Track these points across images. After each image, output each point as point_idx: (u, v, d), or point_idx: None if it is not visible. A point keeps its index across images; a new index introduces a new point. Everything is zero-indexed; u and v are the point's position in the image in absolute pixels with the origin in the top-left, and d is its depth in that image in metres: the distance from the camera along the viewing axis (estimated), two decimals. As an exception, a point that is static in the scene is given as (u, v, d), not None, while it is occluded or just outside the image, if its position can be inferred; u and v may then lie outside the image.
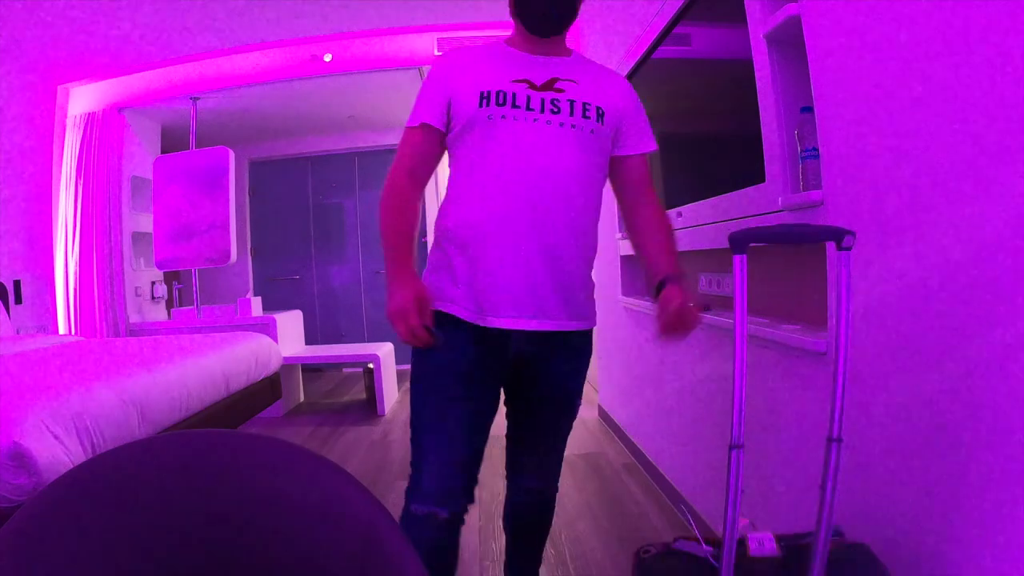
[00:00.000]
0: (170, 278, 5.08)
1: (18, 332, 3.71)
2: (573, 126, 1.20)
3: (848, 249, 0.89)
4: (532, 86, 1.21)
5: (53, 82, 4.20)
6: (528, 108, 1.19)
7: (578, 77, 1.25)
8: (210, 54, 4.03)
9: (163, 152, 4.98)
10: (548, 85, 1.22)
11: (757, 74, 1.42)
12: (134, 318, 4.48)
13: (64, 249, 4.33)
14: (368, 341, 5.55)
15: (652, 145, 1.33)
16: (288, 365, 4.16)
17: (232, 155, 4.21)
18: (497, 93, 1.19)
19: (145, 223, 4.61)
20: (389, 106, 4.91)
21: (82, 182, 4.32)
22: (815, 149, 1.27)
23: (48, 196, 4.31)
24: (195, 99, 4.32)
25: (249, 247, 5.89)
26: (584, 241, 1.25)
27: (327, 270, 6.10)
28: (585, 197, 1.24)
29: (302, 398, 4.72)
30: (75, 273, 4.31)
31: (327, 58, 4.05)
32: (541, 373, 1.29)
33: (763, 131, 1.42)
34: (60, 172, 4.35)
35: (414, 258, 1.23)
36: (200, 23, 3.71)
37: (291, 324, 4.57)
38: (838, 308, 0.92)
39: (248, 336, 3.06)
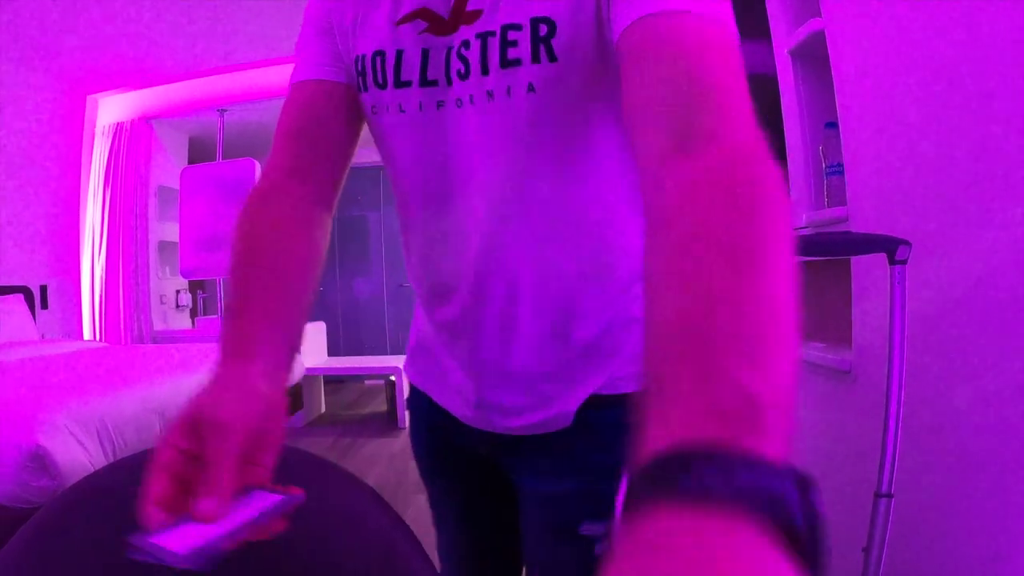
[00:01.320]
0: (195, 287, 5.16)
1: (43, 337, 3.78)
2: (488, 95, 0.59)
3: (903, 263, 0.79)
4: (435, 25, 0.62)
5: (83, 92, 4.31)
6: (424, 83, 0.63)
7: None
8: (237, 67, 4.11)
9: (190, 162, 5.07)
10: (456, 16, 0.61)
11: (782, 89, 1.41)
12: (158, 326, 4.55)
13: (91, 256, 4.42)
14: (390, 354, 5.58)
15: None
16: (310, 376, 4.21)
17: (258, 166, 4.26)
18: (374, 58, 0.64)
19: (171, 232, 4.69)
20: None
21: (110, 191, 4.41)
22: (839, 165, 1.25)
23: (76, 204, 4.41)
24: (222, 111, 4.40)
25: (275, 257, 5.98)
26: (560, 266, 0.65)
27: (351, 282, 6.16)
28: (548, 198, 0.63)
29: (323, 409, 4.76)
30: (101, 280, 4.40)
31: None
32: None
33: (787, 146, 1.41)
34: (88, 180, 4.45)
35: (270, 329, 0.55)
36: (228, 37, 3.79)
37: (313, 335, 4.61)
38: (892, 332, 0.81)
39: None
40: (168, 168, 4.75)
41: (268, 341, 0.52)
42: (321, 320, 5.01)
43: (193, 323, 5.02)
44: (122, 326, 4.40)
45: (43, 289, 4.03)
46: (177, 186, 4.53)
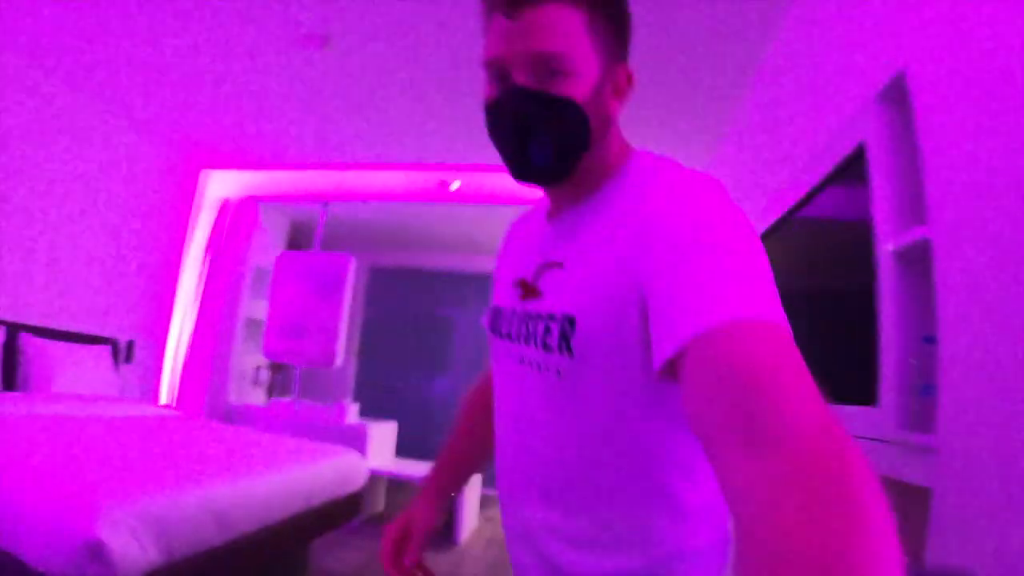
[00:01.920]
0: (274, 367, 5.35)
1: (121, 391, 3.99)
2: (538, 365, 0.73)
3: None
4: (523, 290, 0.80)
5: (197, 166, 4.72)
6: (508, 336, 0.80)
7: (570, 250, 0.75)
8: (341, 166, 4.41)
9: (289, 246, 5.39)
10: (534, 282, 0.78)
11: (882, 289, 1.36)
12: (233, 398, 4.71)
13: (181, 321, 4.68)
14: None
15: (726, 312, 0.51)
16: (374, 475, 4.22)
17: (353, 263, 4.47)
18: (494, 312, 0.86)
19: (260, 310, 4.94)
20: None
21: (208, 261, 4.73)
22: (933, 386, 1.17)
23: (177, 268, 4.75)
24: (325, 204, 4.69)
25: (357, 348, 6.15)
26: (582, 522, 0.73)
27: (428, 381, 6.21)
28: (574, 463, 0.73)
29: (382, 508, 4.72)
30: (186, 345, 4.63)
31: (454, 186, 4.30)
32: None
33: (881, 353, 1.33)
34: (190, 249, 4.81)
35: (451, 476, 1.03)
36: (335, 136, 4.05)
37: (384, 435, 4.64)
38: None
39: (338, 452, 3.13)
40: (266, 248, 5.05)
41: (441, 478, 1.02)
42: (393, 414, 5.05)
43: (267, 400, 5.17)
44: (198, 393, 4.58)
45: (129, 344, 4.29)
46: (271, 267, 4.81)
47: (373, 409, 5.55)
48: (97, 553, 1.69)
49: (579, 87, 0.69)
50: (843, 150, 1.60)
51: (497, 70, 0.70)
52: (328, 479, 2.87)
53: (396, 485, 5.53)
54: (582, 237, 0.73)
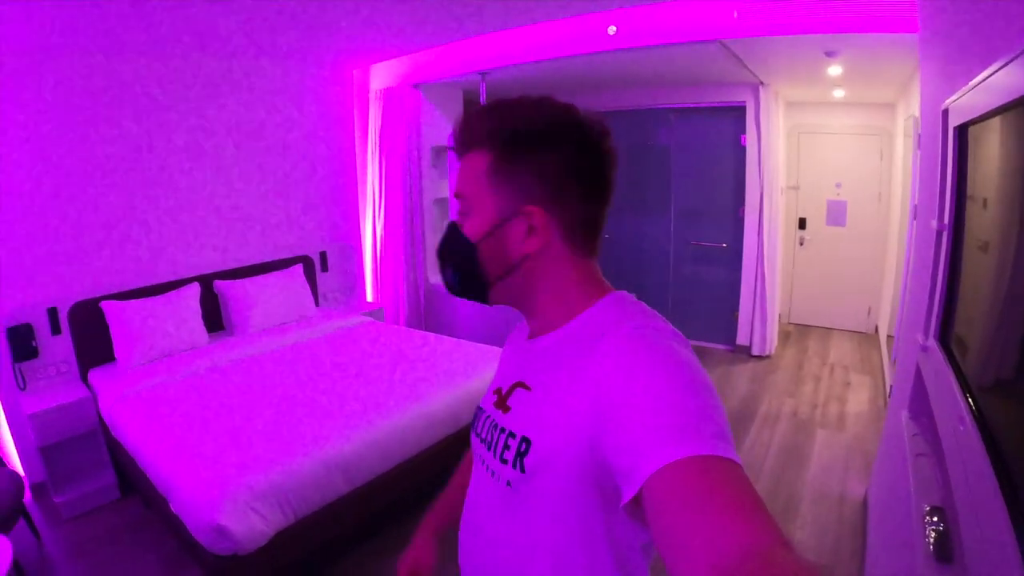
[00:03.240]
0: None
1: (320, 301, 4.42)
2: (493, 472, 0.80)
3: None
4: (498, 398, 0.85)
5: (365, 62, 4.63)
6: (478, 436, 0.86)
7: (537, 376, 0.80)
8: (491, 35, 3.96)
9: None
10: (506, 396, 0.83)
11: None
12: (434, 279, 4.97)
13: (371, 216, 4.94)
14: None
15: (672, 452, 0.56)
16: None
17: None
18: (479, 410, 0.91)
19: (446, 189, 4.98)
20: (688, 69, 4.28)
21: (384, 153, 4.81)
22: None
23: (354, 169, 4.93)
24: (483, 75, 4.34)
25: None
26: None
27: (640, 230, 5.66)
28: (514, 570, 0.79)
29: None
30: (381, 238, 4.90)
31: (611, 30, 3.64)
32: None
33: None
34: (366, 144, 4.92)
35: (446, 521, 1.09)
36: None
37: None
38: None
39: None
40: (443, 127, 4.98)
41: (435, 526, 1.08)
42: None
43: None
44: (397, 282, 4.90)
45: (323, 255, 4.62)
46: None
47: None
48: (222, 533, 1.95)
49: (474, 226, 0.79)
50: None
51: None
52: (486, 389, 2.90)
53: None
54: (547, 370, 0.78)
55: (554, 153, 0.75)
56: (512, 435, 0.76)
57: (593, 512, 0.70)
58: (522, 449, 0.74)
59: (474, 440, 0.88)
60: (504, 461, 0.76)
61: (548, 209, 0.75)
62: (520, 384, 0.81)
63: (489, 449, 0.80)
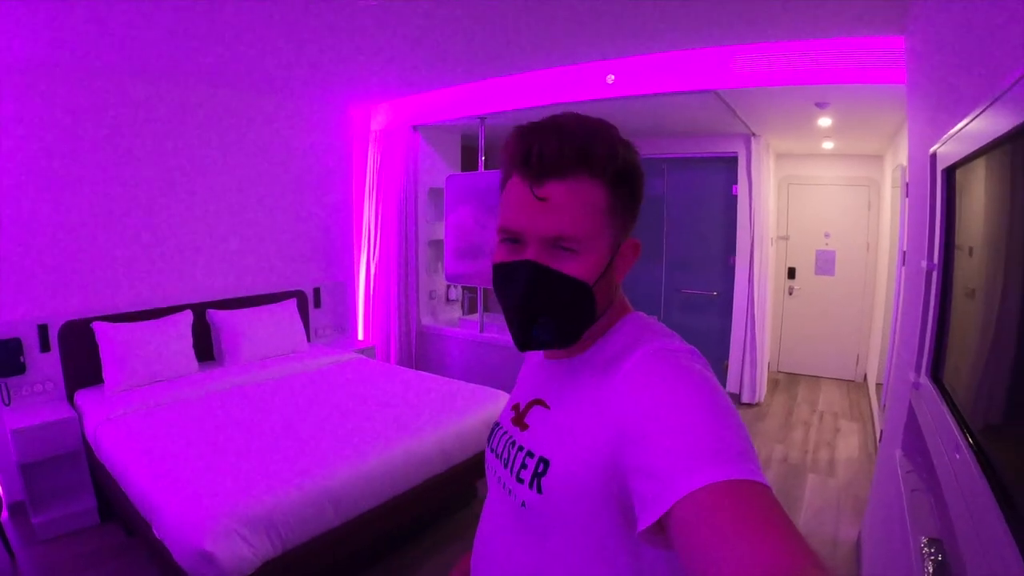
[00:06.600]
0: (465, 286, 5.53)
1: (311, 337, 4.41)
2: (509, 490, 0.79)
3: None
4: (515, 415, 0.86)
5: (367, 103, 4.74)
6: (495, 452, 0.86)
7: (557, 396, 0.80)
8: (492, 80, 4.07)
9: (463, 165, 5.29)
10: (524, 413, 0.84)
11: None
12: (426, 320, 4.98)
13: (366, 255, 4.97)
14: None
15: (703, 476, 0.54)
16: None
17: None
18: (495, 425, 0.90)
19: (441, 231, 5.03)
20: (683, 119, 4.41)
21: (380, 192, 4.88)
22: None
23: (351, 208, 4.98)
24: (483, 119, 4.43)
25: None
26: None
27: (632, 277, 5.82)
28: None
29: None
30: (374, 277, 4.93)
31: (609, 79, 3.76)
32: None
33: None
34: (363, 184, 4.99)
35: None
36: (486, 50, 3.70)
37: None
38: None
39: (494, 397, 3.23)
40: (440, 170, 5.05)
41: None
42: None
43: (463, 313, 5.41)
44: (390, 322, 4.90)
45: (316, 292, 4.63)
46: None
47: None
48: (208, 559, 1.91)
49: (589, 267, 0.71)
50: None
51: (510, 235, 0.73)
52: (472, 434, 2.88)
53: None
54: (569, 389, 0.77)
55: (643, 184, 0.75)
56: (530, 454, 0.76)
57: (615, 533, 0.69)
58: (540, 470, 0.73)
59: (489, 456, 0.87)
60: (520, 480, 0.76)
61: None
62: (539, 401, 0.81)
63: (505, 467, 0.80)
